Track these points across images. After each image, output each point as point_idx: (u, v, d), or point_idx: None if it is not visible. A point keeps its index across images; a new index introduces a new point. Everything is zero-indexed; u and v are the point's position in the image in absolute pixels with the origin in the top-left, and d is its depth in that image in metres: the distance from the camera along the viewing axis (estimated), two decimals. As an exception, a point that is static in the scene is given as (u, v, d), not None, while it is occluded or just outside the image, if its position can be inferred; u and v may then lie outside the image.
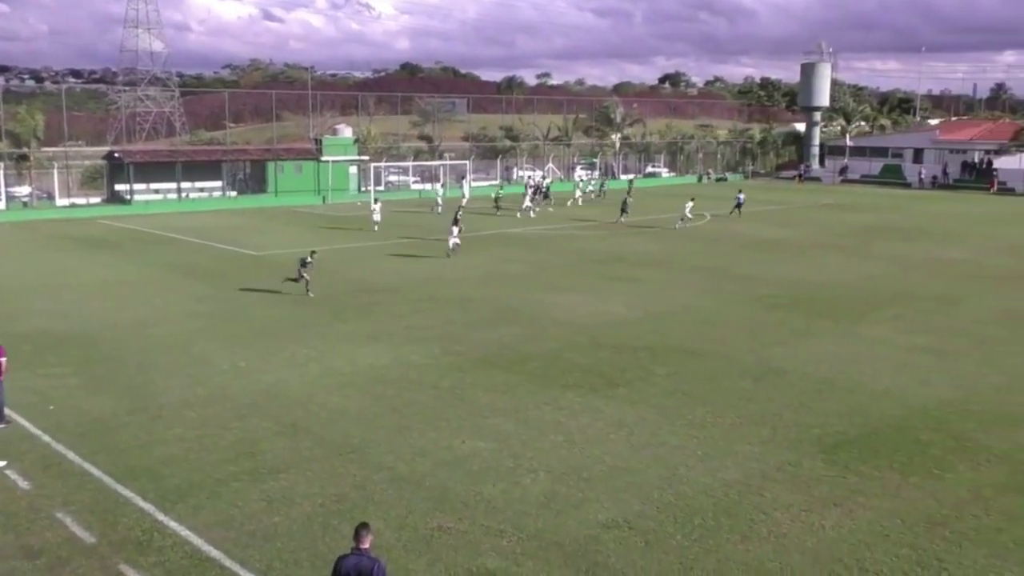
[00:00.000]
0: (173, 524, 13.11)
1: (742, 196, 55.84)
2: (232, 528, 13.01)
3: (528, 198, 56.12)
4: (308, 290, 29.63)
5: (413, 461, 15.54)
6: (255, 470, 15.07)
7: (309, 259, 29.94)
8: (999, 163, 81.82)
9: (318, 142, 68.04)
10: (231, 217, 54.28)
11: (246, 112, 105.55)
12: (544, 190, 60.87)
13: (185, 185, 61.11)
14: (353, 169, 68.44)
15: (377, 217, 47.03)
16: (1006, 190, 76.42)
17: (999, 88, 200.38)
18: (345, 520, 13.16)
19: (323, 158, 65.77)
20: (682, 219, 49.20)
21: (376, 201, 49.46)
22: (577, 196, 63.84)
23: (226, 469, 15.10)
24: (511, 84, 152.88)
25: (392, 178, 72.60)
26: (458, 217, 42.50)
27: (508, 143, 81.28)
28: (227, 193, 63.70)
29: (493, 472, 15.08)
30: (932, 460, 15.74)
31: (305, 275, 29.68)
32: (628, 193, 56.73)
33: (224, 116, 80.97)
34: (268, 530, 12.96)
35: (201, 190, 62.28)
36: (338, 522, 13.15)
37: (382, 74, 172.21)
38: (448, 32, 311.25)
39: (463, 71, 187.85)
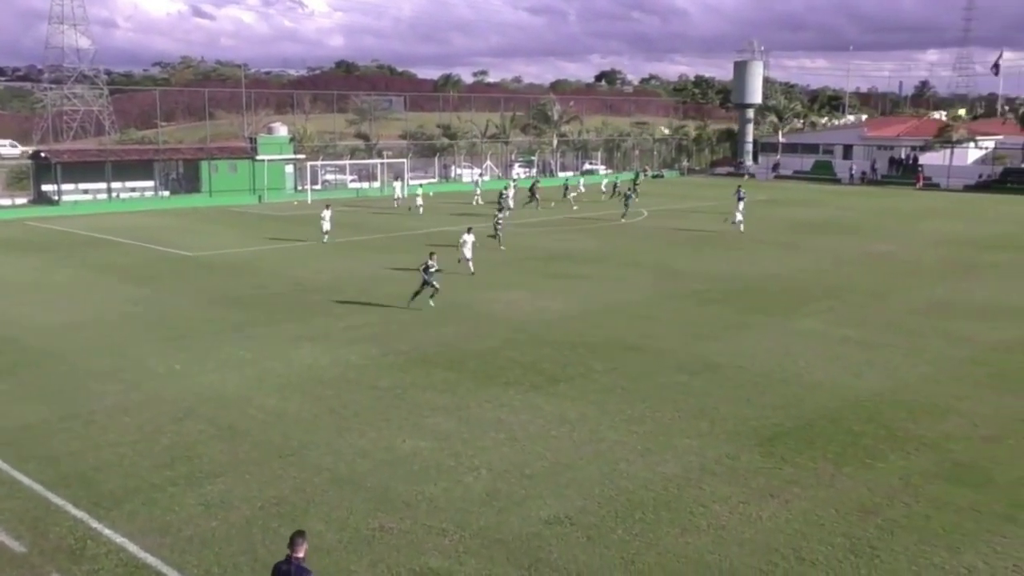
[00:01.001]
0: (107, 531, 12.83)
1: (743, 192, 54.72)
2: (169, 534, 12.78)
3: (510, 198, 54.78)
4: (431, 299, 27.19)
5: (353, 462, 15.44)
6: (192, 474, 14.83)
7: (431, 264, 27.06)
8: (924, 159, 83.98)
9: (253, 141, 67.04)
10: (164, 217, 53.28)
11: (178, 111, 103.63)
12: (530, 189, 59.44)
13: (116, 185, 59.73)
14: (289, 168, 67.59)
15: (327, 226, 41.20)
16: (931, 185, 78.46)
17: (923, 86, 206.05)
18: (285, 523, 13.01)
19: (258, 157, 64.82)
20: (731, 220, 46.56)
21: (327, 207, 42.52)
22: (579, 192, 63.81)
23: (162, 474, 14.83)
24: (448, 82, 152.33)
25: (329, 177, 71.89)
26: (497, 227, 40.05)
27: (446, 141, 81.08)
28: (159, 193, 62.42)
29: (434, 471, 15.04)
30: (864, 450, 16.11)
31: (434, 283, 27.02)
32: (632, 190, 55.70)
33: (155, 115, 79.30)
34: (206, 535, 12.75)
35: (132, 190, 60.93)
36: (277, 525, 13.00)
37: (317, 72, 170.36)
38: (383, 30, 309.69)
39: (399, 69, 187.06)
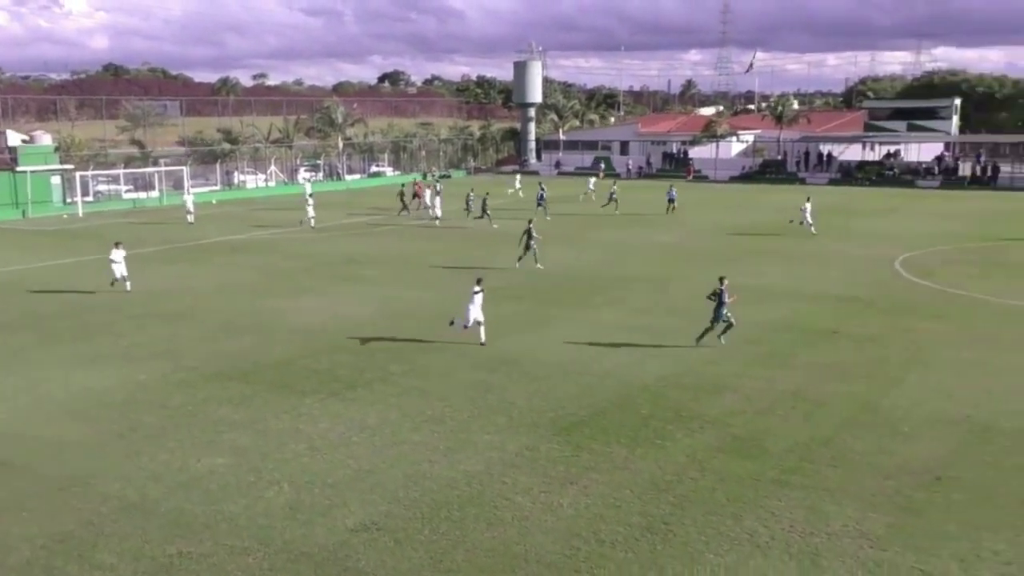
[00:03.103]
0: None
1: (675, 192, 54.86)
2: (-62, 584, 11.72)
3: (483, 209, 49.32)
4: (722, 335, 23.10)
5: (145, 487, 14.70)
6: (-39, 517, 13.63)
7: (723, 290, 22.78)
8: (694, 153, 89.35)
9: (12, 150, 62.18)
10: (-89, 238, 48.49)
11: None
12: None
13: None
14: (56, 179, 63.11)
15: (122, 271, 31.23)
16: (701, 177, 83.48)
17: (689, 84, 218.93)
18: (71, 560, 12.23)
19: (19, 168, 60.17)
20: (801, 222, 44.58)
21: (116, 246, 31.58)
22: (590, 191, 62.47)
23: (-75, 519, 13.55)
24: (225, 85, 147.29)
25: (102, 188, 67.71)
26: (531, 235, 34.69)
27: (227, 147, 78.39)
28: (-97, 211, 56.83)
29: (233, 489, 14.57)
30: (654, 431, 16.97)
31: (729, 316, 22.91)
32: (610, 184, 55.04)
33: None
34: (-18, 581, 11.79)
35: None
36: (63, 563, 12.19)
37: (82, 76, 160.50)
38: (152, 31, 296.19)
39: (173, 72, 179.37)
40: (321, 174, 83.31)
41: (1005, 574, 11.71)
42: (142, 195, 67.94)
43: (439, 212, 49.64)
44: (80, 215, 57.68)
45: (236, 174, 77.75)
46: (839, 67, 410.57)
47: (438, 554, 12.37)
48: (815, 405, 18.45)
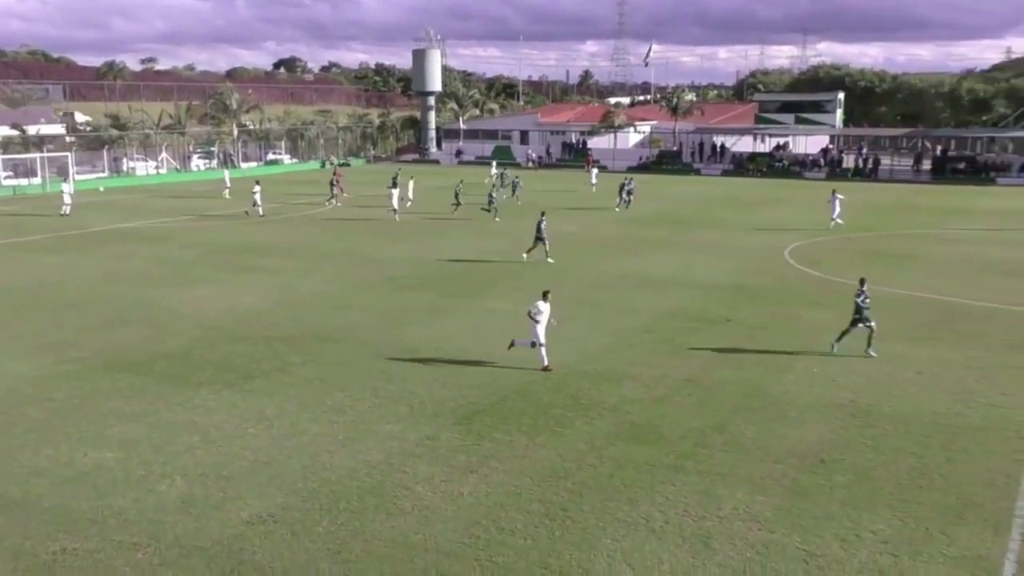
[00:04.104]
0: None
1: (632, 183, 53.36)
2: None
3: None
4: (870, 347, 21.55)
5: (27, 483, 14.14)
6: None
7: (863, 292, 21.33)
8: (592, 143, 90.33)
9: None
10: None
11: None
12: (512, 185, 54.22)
13: None
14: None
15: None
16: (600, 167, 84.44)
17: (586, 74, 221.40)
18: (-51, 560, 11.69)
19: None
20: (833, 220, 43.42)
21: None
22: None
23: None
24: (112, 69, 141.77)
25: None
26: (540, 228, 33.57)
27: (115, 132, 75.70)
28: None
29: (122, 483, 14.15)
30: (554, 419, 17.15)
31: (870, 320, 21.30)
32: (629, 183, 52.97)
33: None
34: None
35: None
36: (-60, 564, 11.66)
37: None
38: (29, 12, 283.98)
39: (56, 55, 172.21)
40: (215, 162, 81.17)
41: (883, 552, 12.24)
42: (23, 182, 65.05)
43: (395, 205, 46.63)
44: (-44, 201, 54.98)
45: (125, 161, 75.12)
46: (730, 60, 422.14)
47: (336, 545, 12.27)
48: (708, 391, 18.92)
